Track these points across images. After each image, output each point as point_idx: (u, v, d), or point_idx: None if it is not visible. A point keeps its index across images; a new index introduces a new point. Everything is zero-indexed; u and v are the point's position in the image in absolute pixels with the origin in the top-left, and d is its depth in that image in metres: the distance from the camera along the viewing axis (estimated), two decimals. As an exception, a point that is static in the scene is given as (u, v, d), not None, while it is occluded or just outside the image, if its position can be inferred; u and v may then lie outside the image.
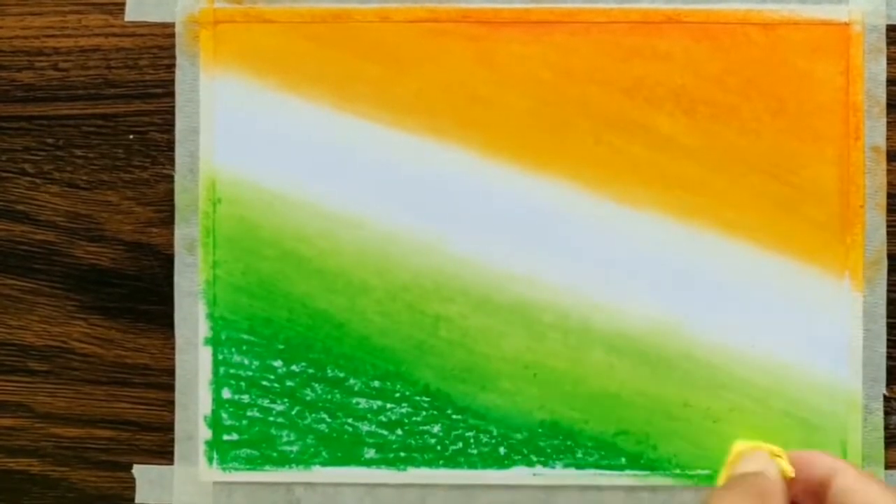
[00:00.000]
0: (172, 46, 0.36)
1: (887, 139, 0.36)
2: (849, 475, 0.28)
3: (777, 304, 0.35)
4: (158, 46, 0.36)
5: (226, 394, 0.36)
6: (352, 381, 0.36)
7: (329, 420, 0.36)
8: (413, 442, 0.36)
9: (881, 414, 0.35)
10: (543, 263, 0.36)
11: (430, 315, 0.36)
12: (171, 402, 0.36)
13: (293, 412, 0.36)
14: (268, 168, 0.36)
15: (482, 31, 0.36)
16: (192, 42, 0.36)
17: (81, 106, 0.36)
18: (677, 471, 0.35)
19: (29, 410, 0.36)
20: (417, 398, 0.36)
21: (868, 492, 0.28)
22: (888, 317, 0.35)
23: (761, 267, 0.35)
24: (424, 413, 0.36)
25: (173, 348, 0.36)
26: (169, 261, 0.36)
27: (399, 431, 0.36)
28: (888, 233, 0.35)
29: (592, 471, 0.35)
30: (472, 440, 0.36)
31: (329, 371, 0.36)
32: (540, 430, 0.35)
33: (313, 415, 0.36)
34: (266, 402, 0.36)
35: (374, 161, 0.36)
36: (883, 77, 0.36)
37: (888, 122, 0.36)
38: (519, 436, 0.35)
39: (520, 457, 0.36)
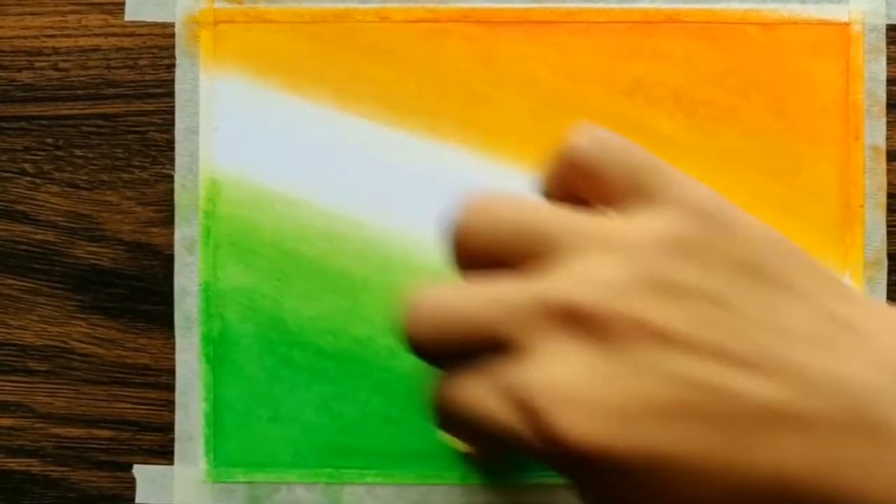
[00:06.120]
0: (172, 46, 0.36)
1: (887, 139, 0.36)
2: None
3: (777, 304, 0.35)
4: (158, 46, 0.36)
5: (226, 394, 0.36)
6: (353, 381, 0.36)
7: (330, 420, 0.36)
8: (414, 441, 0.36)
9: (881, 413, 0.35)
10: (544, 263, 0.36)
11: (431, 315, 0.36)
12: (172, 402, 0.36)
13: (294, 412, 0.36)
14: (268, 168, 0.36)
15: (482, 31, 0.36)
16: (192, 42, 0.36)
17: (81, 106, 0.36)
18: (677, 470, 0.35)
19: (29, 410, 0.36)
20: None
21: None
22: (888, 316, 0.35)
23: (761, 267, 0.35)
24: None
25: (173, 348, 0.36)
26: (169, 261, 0.36)
27: (400, 430, 0.36)
28: (888, 232, 0.35)
29: (593, 470, 0.35)
30: (472, 440, 0.36)
31: (330, 371, 0.36)
32: (540, 430, 0.35)
33: (314, 414, 0.36)
34: (267, 402, 0.36)
35: (374, 161, 0.36)
36: (883, 77, 0.36)
37: (888, 122, 0.36)
38: (519, 435, 0.35)
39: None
